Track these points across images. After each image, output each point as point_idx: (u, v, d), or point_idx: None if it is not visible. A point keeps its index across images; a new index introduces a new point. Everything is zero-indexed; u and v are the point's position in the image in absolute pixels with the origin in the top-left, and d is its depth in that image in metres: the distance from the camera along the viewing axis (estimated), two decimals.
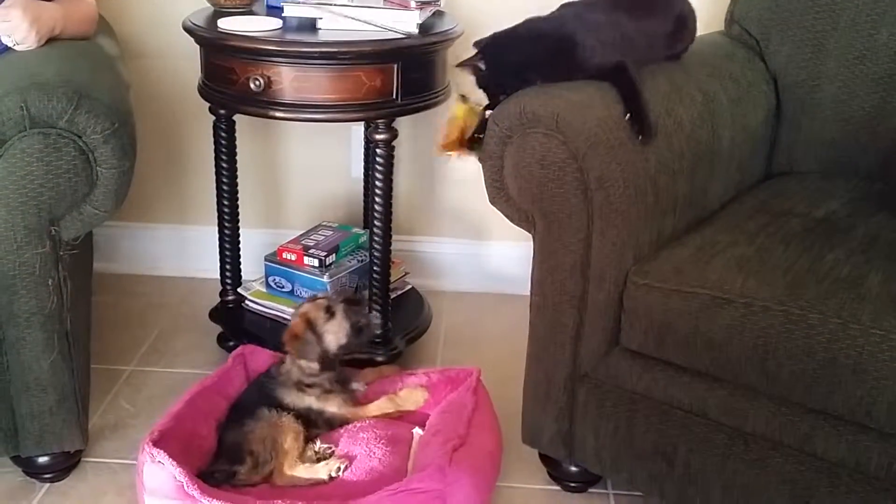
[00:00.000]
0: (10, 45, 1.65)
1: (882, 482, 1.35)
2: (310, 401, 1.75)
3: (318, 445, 1.71)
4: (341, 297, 1.81)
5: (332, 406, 1.76)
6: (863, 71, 1.85)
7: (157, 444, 1.54)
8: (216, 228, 2.14)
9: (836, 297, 1.38)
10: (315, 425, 1.75)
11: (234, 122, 2.04)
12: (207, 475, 1.60)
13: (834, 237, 1.57)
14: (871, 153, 1.85)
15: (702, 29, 1.87)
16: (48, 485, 1.74)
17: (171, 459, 1.50)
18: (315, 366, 1.76)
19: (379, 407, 1.80)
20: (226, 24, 1.84)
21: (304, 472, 1.64)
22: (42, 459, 1.73)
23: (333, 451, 1.70)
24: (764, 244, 1.55)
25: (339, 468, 1.64)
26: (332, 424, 1.76)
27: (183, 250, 2.56)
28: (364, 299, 1.86)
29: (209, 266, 2.35)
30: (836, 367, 1.34)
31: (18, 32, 1.63)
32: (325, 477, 1.63)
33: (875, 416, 1.33)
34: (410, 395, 1.82)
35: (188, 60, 2.03)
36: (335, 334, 1.76)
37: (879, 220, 1.63)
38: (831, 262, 1.48)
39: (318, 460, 1.68)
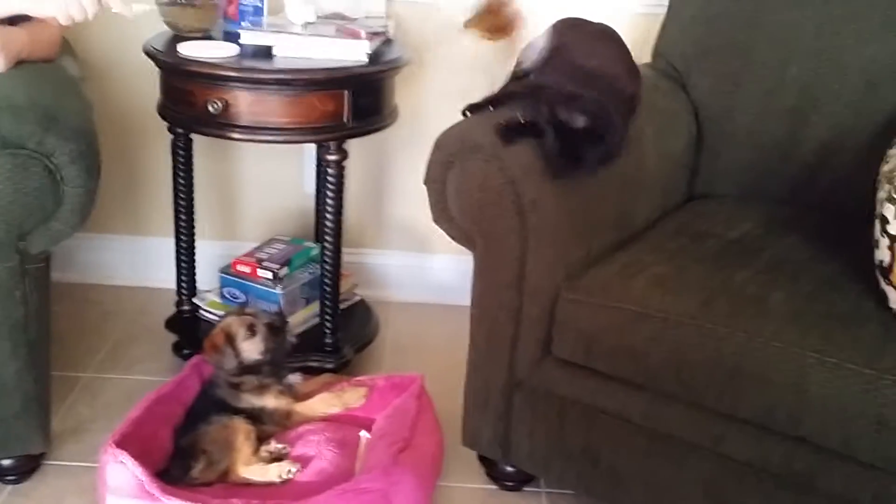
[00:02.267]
0: None
1: (784, 479, 1.47)
2: (247, 398, 1.82)
3: (273, 445, 1.79)
4: (265, 319, 1.88)
5: (270, 399, 1.83)
6: (773, 103, 1.96)
7: (118, 445, 1.61)
8: (172, 239, 2.20)
9: (743, 314, 1.50)
10: (263, 422, 1.82)
11: (191, 139, 2.10)
12: (164, 474, 1.68)
13: (745, 257, 1.68)
14: (782, 179, 1.96)
15: None
16: (11, 486, 1.80)
17: (132, 459, 1.57)
18: (233, 369, 1.83)
19: (324, 400, 1.88)
20: (185, 49, 1.91)
21: (257, 471, 1.72)
22: (6, 462, 1.79)
23: (288, 451, 1.78)
24: (682, 263, 1.67)
25: (289, 470, 1.71)
26: (278, 419, 1.84)
27: (139, 261, 2.60)
28: (286, 327, 1.92)
29: (165, 276, 2.40)
30: (743, 377, 1.46)
31: None
32: (276, 478, 1.71)
33: (776, 420, 1.46)
34: (353, 392, 1.91)
35: (147, 79, 2.10)
36: (250, 352, 1.85)
37: (788, 242, 1.75)
38: (741, 281, 1.59)
39: (274, 460, 1.76)
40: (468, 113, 1.75)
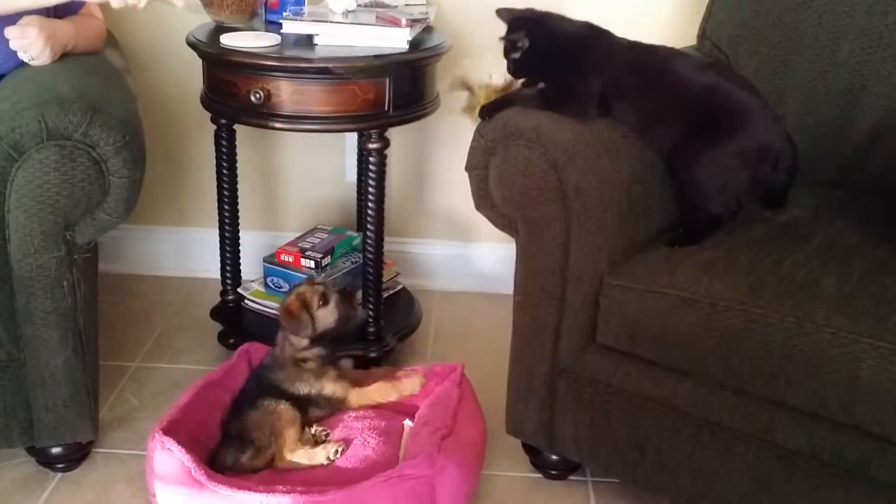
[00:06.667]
0: (26, 60, 1.74)
1: (834, 468, 1.45)
2: (304, 382, 1.82)
3: (315, 429, 1.80)
4: (336, 289, 1.90)
5: (329, 383, 1.83)
6: (824, 85, 1.93)
7: (166, 432, 1.63)
8: (217, 230, 2.23)
9: (793, 298, 1.47)
10: (316, 405, 1.83)
11: (234, 130, 2.12)
12: (213, 462, 1.69)
13: (794, 242, 1.65)
14: (832, 162, 1.92)
15: (675, 42, 1.97)
16: (61, 474, 1.83)
17: (179, 447, 1.59)
18: (304, 341, 1.84)
19: (379, 389, 1.87)
20: (228, 39, 1.92)
21: (303, 456, 1.72)
22: (55, 450, 1.81)
23: (329, 434, 1.79)
24: (729, 248, 1.64)
25: (336, 451, 1.71)
26: (333, 404, 1.84)
27: (184, 251, 2.64)
28: (355, 295, 1.96)
29: (210, 266, 2.44)
30: (792, 363, 1.44)
31: (34, 49, 1.72)
32: (324, 460, 1.71)
33: (828, 407, 1.43)
34: (409, 382, 1.89)
35: (190, 71, 2.12)
36: (325, 319, 1.85)
37: (837, 226, 1.72)
38: (790, 266, 1.56)
39: (316, 443, 1.77)
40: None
